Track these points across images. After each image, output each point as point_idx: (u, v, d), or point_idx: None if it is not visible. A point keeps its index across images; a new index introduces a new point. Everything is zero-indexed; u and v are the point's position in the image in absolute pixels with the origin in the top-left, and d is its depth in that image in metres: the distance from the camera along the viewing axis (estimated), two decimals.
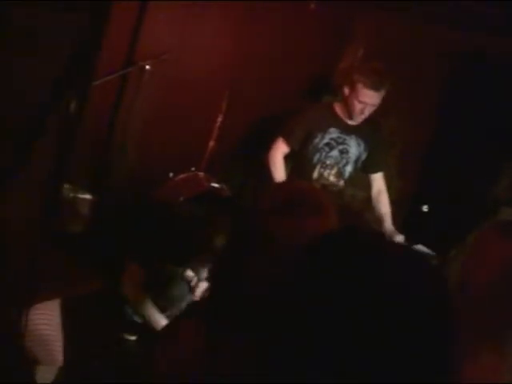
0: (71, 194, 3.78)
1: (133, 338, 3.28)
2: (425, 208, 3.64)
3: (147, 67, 3.69)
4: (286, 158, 3.58)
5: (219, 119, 3.88)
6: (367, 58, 4.06)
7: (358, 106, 3.40)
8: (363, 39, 4.25)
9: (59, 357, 2.57)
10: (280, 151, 3.54)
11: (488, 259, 1.31)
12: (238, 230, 1.39)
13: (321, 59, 4.27)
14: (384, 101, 3.46)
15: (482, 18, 3.77)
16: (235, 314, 1.29)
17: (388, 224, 3.56)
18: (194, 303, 1.48)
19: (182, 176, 3.77)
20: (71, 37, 2.18)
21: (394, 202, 3.70)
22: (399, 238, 3.48)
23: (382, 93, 3.38)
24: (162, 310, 3.09)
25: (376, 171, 3.68)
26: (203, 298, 1.35)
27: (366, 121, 3.53)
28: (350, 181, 3.72)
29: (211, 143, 3.89)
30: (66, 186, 3.67)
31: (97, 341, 2.91)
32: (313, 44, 4.22)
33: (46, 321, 2.55)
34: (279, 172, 3.51)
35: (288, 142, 3.53)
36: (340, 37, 4.32)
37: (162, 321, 3.09)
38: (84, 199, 3.86)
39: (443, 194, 4.01)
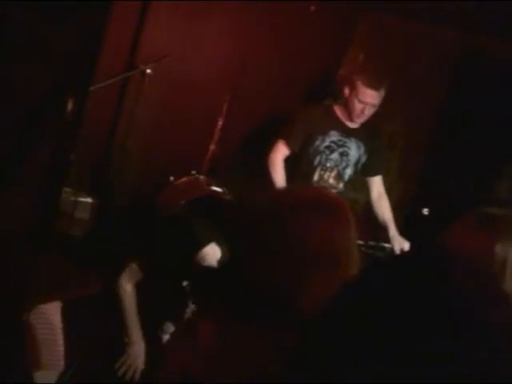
0: (72, 198, 3.79)
1: None
2: (425, 211, 3.63)
3: (148, 71, 3.69)
4: (286, 160, 3.58)
5: (220, 122, 3.88)
6: (368, 61, 4.06)
7: (358, 106, 3.41)
8: (364, 42, 4.25)
9: (60, 361, 2.57)
10: (280, 154, 3.53)
11: (463, 252, 1.30)
12: (248, 228, 1.38)
13: (323, 62, 4.27)
14: (389, 103, 3.46)
15: (483, 18, 3.77)
16: (252, 312, 1.30)
17: (393, 231, 3.55)
18: (208, 303, 1.47)
19: (182, 180, 3.77)
20: (71, 40, 2.19)
21: (395, 205, 3.69)
22: (405, 245, 3.46)
23: (382, 93, 3.38)
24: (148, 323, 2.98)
25: (375, 174, 3.68)
26: (218, 299, 1.35)
27: (366, 124, 3.54)
28: (353, 185, 3.71)
29: (212, 147, 3.89)
30: (68, 189, 3.68)
31: (97, 343, 2.90)
32: (315, 47, 4.22)
33: (48, 325, 2.55)
34: (279, 175, 3.50)
35: (288, 144, 3.53)
36: (341, 39, 4.32)
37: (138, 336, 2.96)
38: (85, 203, 3.87)
39: (444, 196, 4.00)
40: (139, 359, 2.87)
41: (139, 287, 2.93)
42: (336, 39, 4.28)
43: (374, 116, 3.51)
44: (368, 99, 3.38)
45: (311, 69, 4.24)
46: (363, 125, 3.55)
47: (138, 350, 2.87)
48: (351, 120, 3.52)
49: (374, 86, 3.34)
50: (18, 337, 2.27)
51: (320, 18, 4.11)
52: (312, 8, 3.95)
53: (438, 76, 4.24)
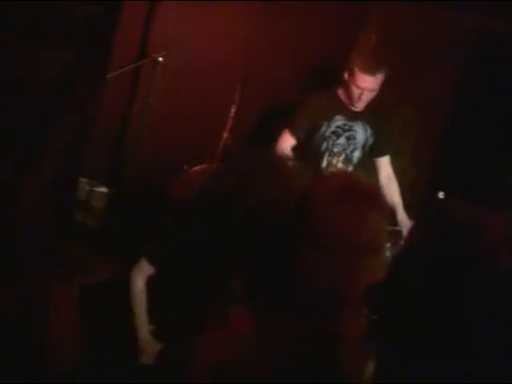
0: (88, 188, 3.81)
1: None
2: (441, 195, 3.61)
3: (160, 59, 3.69)
4: (295, 148, 3.56)
5: (233, 110, 3.87)
6: (365, 46, 4.03)
7: (355, 92, 3.40)
8: (377, 27, 4.23)
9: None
10: (287, 143, 3.52)
11: None
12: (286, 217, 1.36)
13: (335, 49, 4.25)
14: (402, 87, 3.44)
15: (496, 1, 3.74)
16: (288, 299, 1.29)
17: (402, 215, 3.53)
18: (239, 289, 1.46)
19: (196, 168, 3.78)
20: (84, 31, 2.20)
21: (409, 189, 3.68)
22: None
23: (379, 78, 3.37)
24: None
25: (381, 155, 3.65)
26: (251, 285, 1.33)
27: (372, 106, 3.52)
28: (366, 169, 3.70)
29: (225, 134, 3.89)
30: (83, 179, 3.70)
31: (109, 337, 2.91)
32: (327, 34, 4.21)
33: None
34: None
35: (294, 133, 3.51)
36: (353, 26, 4.30)
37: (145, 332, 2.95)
38: (100, 192, 3.89)
39: (458, 181, 3.98)
40: (144, 355, 2.87)
41: (153, 282, 2.90)
42: (347, 26, 4.26)
43: (381, 98, 3.49)
44: (364, 84, 3.36)
45: (324, 56, 4.23)
46: (368, 107, 3.52)
47: (143, 345, 2.87)
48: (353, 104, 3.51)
49: (370, 71, 3.32)
50: (35, 322, 2.30)
51: (331, 6, 4.09)
52: None
53: (452, 60, 4.21)
